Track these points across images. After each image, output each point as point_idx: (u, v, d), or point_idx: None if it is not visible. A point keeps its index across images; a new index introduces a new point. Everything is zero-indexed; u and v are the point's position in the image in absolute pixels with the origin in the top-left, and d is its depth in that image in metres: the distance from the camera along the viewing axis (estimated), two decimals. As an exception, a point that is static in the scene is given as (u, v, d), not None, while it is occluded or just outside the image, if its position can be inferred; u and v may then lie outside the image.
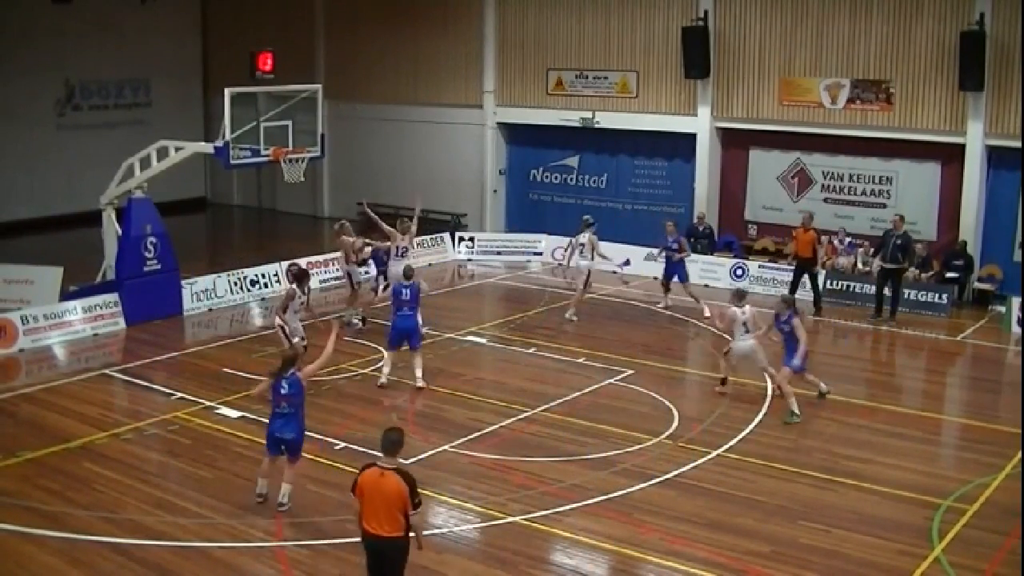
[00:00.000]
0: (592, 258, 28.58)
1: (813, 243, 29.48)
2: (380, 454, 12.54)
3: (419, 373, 22.73)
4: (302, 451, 16.94)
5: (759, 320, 22.05)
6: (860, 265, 31.47)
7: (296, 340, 22.55)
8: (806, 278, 29.88)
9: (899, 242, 28.79)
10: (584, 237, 28.51)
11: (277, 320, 23.15)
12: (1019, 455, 18.91)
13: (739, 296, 22.29)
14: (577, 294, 28.85)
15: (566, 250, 29.72)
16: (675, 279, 29.95)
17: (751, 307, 22.10)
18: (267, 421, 17.12)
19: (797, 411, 21.06)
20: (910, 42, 31.22)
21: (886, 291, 29.12)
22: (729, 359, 22.75)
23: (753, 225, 35.42)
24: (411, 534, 12.51)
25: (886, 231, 29.52)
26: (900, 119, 31.64)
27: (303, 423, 16.76)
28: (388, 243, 27.14)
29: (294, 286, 23.15)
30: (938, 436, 21.36)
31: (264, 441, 17.08)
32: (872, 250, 30.65)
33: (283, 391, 16.43)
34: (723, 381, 22.88)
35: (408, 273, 23.25)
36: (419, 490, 12.40)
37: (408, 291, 22.71)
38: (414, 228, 27.53)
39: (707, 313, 28.26)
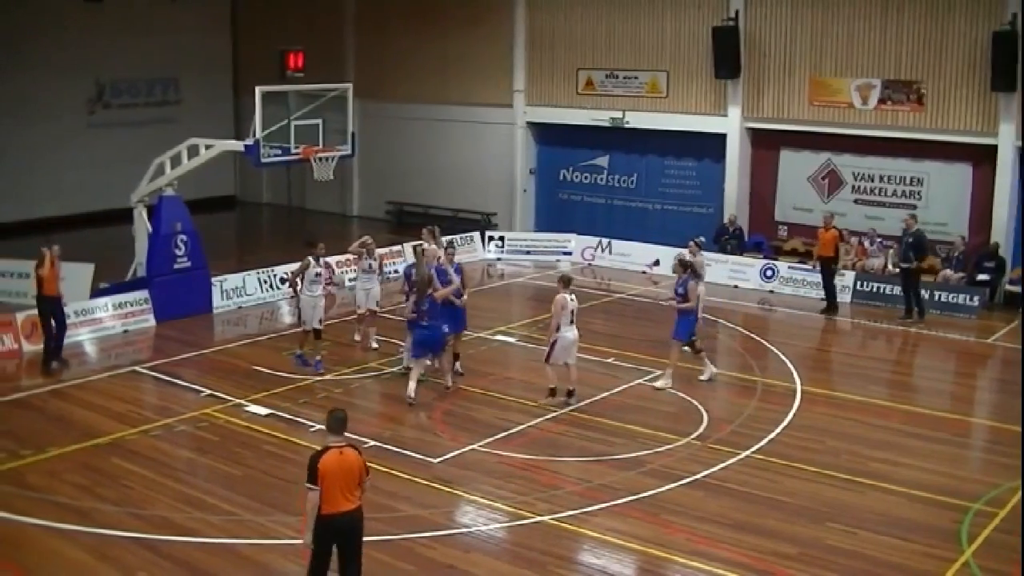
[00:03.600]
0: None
1: (835, 242, 29.43)
2: (332, 435, 13.04)
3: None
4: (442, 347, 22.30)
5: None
6: (890, 266, 31.35)
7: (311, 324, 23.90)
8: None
9: (911, 240, 29.02)
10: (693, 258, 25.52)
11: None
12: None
13: (565, 282, 21.68)
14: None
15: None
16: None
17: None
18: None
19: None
20: (941, 42, 31.10)
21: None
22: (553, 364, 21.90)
23: (783, 226, 35.33)
24: None
25: (903, 231, 29.65)
26: (931, 120, 31.52)
27: (440, 329, 21.92)
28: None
29: (308, 257, 23.99)
30: (967, 439, 21.23)
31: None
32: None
33: (424, 308, 21.60)
34: (552, 392, 21.89)
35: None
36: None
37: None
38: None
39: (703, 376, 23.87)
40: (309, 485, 12.73)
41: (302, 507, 13.19)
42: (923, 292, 29.62)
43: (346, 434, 12.94)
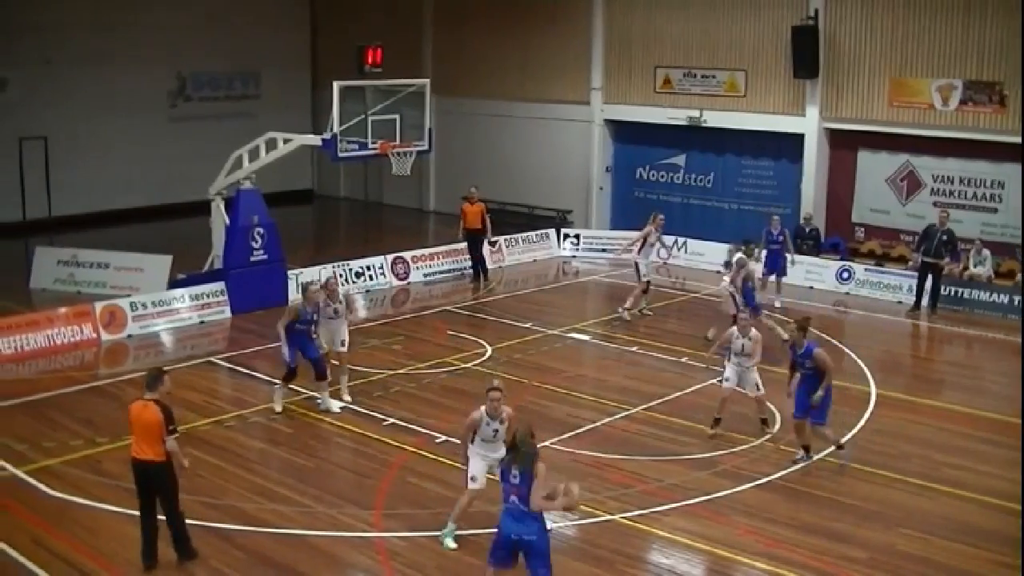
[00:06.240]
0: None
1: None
2: (145, 389, 14.50)
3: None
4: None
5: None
6: (972, 267, 30.92)
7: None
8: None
9: (945, 238, 29.46)
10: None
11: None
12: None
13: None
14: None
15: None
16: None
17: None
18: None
19: None
20: (1025, 43, 30.69)
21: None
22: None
23: (860, 227, 35.02)
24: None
25: (930, 225, 30.15)
26: (1013, 122, 31.05)
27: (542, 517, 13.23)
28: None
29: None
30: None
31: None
32: (915, 244, 31.12)
33: (514, 480, 13.08)
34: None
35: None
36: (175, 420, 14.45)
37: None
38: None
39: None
40: None
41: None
42: (1004, 298, 29.57)
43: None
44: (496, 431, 15.37)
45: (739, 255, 26.41)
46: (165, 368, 15.98)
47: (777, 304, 29.42)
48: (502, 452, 14.80)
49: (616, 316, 28.60)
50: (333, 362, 21.98)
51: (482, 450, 15.51)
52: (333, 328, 21.83)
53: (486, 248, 33.90)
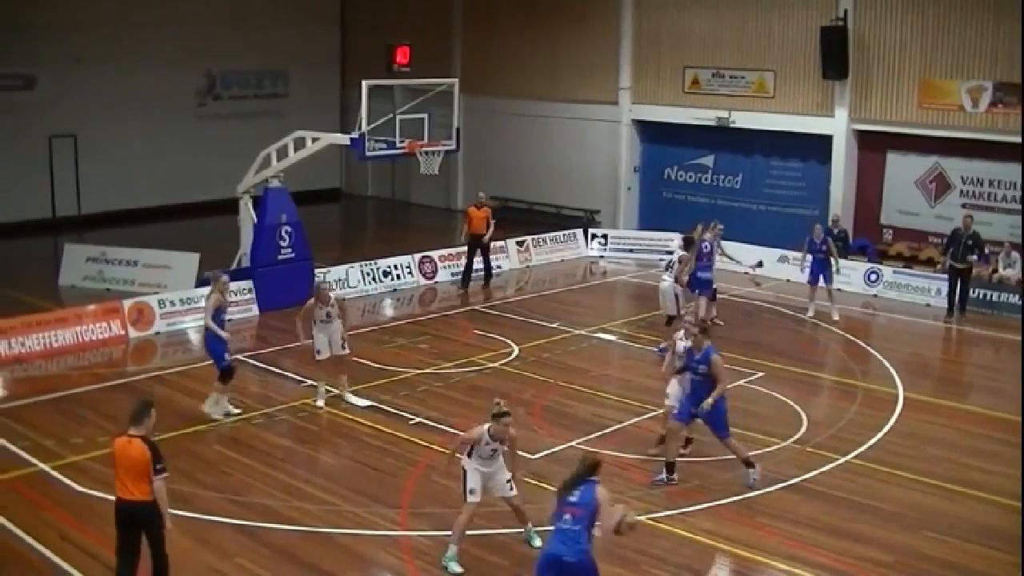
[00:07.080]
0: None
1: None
2: (130, 424, 13.23)
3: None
4: None
5: None
6: (1001, 270, 30.78)
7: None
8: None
9: (970, 242, 29.53)
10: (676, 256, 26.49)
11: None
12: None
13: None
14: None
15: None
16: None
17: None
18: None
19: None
20: (1056, 44, 30.53)
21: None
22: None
23: (888, 229, 34.88)
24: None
25: (955, 229, 30.14)
26: (1043, 124, 30.99)
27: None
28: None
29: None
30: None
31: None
32: (943, 249, 31.19)
33: (572, 499, 12.39)
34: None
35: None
36: (162, 456, 13.23)
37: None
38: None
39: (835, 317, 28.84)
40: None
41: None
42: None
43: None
44: (495, 450, 15.10)
45: (681, 252, 26.06)
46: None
47: (835, 316, 28.89)
48: (496, 467, 15.19)
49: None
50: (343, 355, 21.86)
51: (478, 464, 15.20)
52: (329, 331, 21.55)
53: (487, 248, 33.25)
